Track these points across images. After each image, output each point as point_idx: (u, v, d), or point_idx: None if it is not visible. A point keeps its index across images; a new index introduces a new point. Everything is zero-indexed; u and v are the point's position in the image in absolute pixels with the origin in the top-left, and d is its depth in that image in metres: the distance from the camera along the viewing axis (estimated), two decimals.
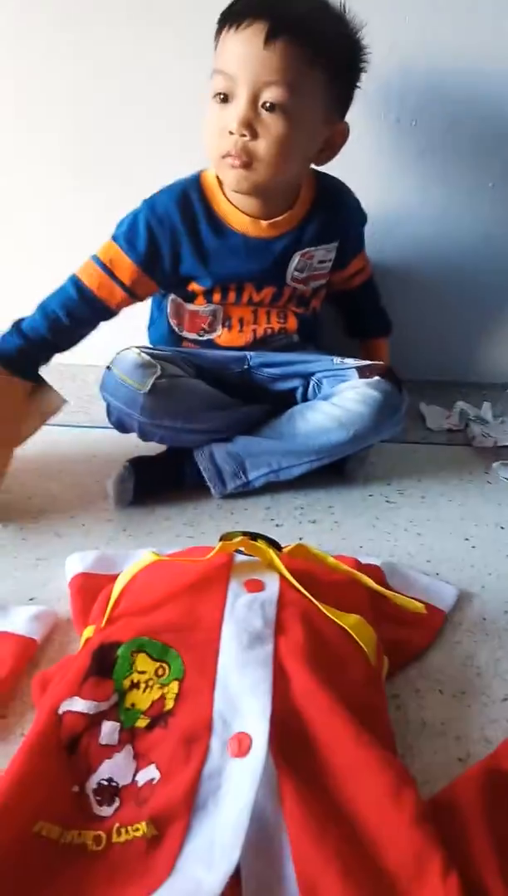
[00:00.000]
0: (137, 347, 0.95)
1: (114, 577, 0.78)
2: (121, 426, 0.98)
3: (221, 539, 0.71)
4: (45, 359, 1.00)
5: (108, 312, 1.00)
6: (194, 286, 1.00)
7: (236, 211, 0.97)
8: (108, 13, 1.12)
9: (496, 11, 1.12)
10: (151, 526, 0.94)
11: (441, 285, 1.33)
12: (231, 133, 0.87)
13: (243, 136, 0.87)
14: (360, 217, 1.08)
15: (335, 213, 1.02)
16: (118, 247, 0.97)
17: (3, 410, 0.91)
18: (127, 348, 0.95)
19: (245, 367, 1.04)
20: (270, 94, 0.85)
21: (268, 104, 0.85)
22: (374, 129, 1.19)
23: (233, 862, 0.46)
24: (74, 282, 0.98)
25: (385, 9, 1.10)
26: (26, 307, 0.99)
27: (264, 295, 1.02)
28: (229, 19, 0.85)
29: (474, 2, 1.11)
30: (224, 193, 0.97)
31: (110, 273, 0.97)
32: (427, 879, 0.46)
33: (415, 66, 1.15)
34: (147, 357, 0.93)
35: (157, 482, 0.99)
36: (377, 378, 0.98)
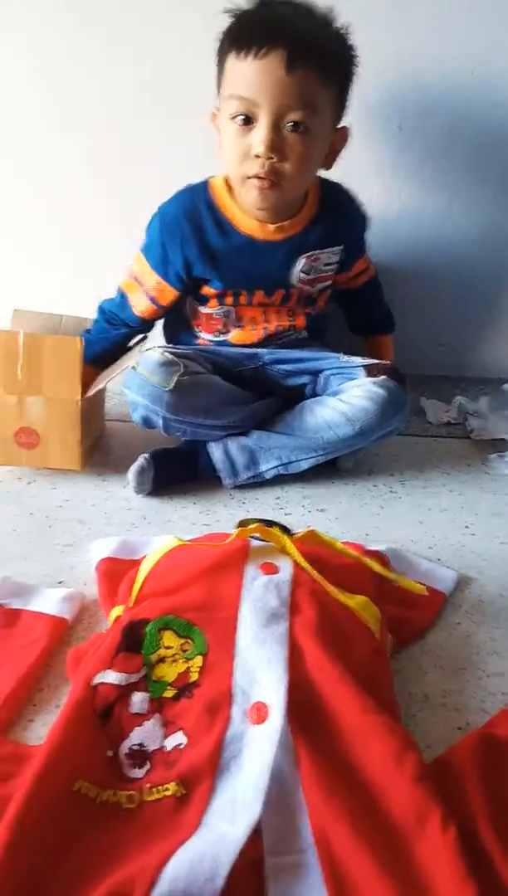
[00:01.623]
0: (161, 347, 0.99)
1: (137, 562, 0.82)
2: (146, 423, 1.02)
3: (238, 525, 0.76)
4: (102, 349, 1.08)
5: (139, 323, 1.07)
6: (207, 289, 1.04)
7: (244, 216, 1.00)
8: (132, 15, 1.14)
9: (493, 20, 1.15)
10: (169, 514, 0.98)
11: (440, 284, 1.36)
12: (257, 156, 0.90)
13: (271, 158, 0.90)
14: (363, 220, 1.11)
15: (339, 216, 1.05)
16: (144, 257, 1.03)
17: (57, 365, 0.96)
18: (150, 348, 0.99)
19: (259, 363, 1.09)
20: (293, 117, 0.87)
21: (292, 126, 0.88)
22: (378, 136, 1.22)
23: (255, 816, 0.50)
24: (118, 290, 1.07)
25: (388, 19, 1.13)
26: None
27: (275, 297, 1.05)
28: (241, 44, 0.86)
29: (472, 10, 1.14)
30: (232, 198, 1.00)
31: (139, 282, 1.04)
32: (429, 831, 0.51)
33: (417, 76, 1.18)
34: (170, 356, 0.97)
35: (174, 473, 1.03)
36: (383, 377, 1.02)
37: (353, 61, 0.93)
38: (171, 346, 1.06)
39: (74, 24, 1.14)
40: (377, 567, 0.77)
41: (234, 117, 0.89)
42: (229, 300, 1.05)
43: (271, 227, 1.00)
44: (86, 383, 0.98)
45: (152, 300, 1.05)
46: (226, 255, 1.00)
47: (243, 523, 0.76)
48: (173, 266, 1.01)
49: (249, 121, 0.89)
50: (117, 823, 0.53)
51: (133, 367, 0.98)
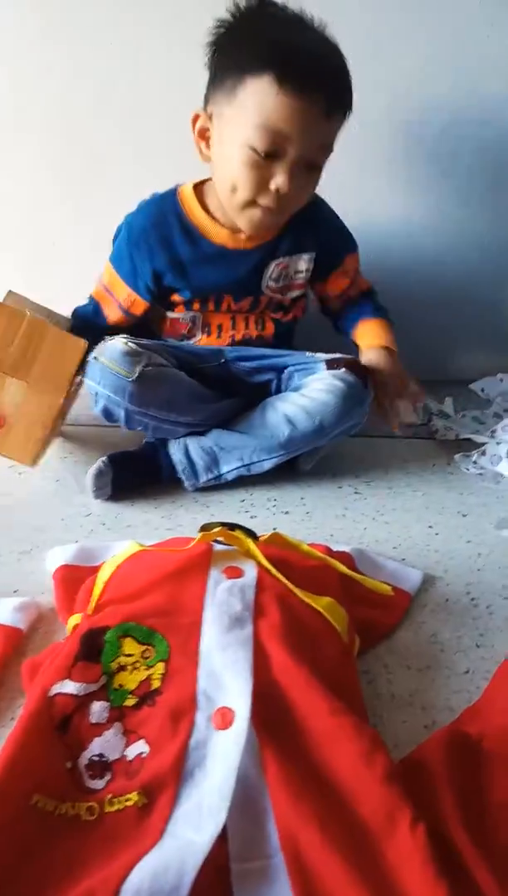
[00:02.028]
0: (123, 337, 0.97)
1: (95, 569, 0.80)
2: (108, 414, 0.99)
3: (200, 530, 0.74)
4: None
5: (112, 330, 1.03)
6: (176, 297, 1.03)
7: (215, 224, 0.99)
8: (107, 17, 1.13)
9: (487, 29, 1.15)
10: (130, 519, 0.96)
11: (405, 287, 1.36)
12: (277, 190, 0.89)
13: (289, 193, 0.90)
14: (337, 230, 1.09)
15: (311, 225, 1.04)
16: (113, 268, 1.01)
17: (54, 359, 0.93)
18: (112, 338, 0.97)
19: (222, 360, 1.07)
20: (318, 159, 0.89)
21: (314, 165, 0.90)
22: (372, 144, 1.22)
23: (220, 823, 0.49)
24: (90, 298, 1.06)
25: (386, 30, 1.14)
26: None
27: (242, 304, 1.05)
28: (288, 76, 0.83)
29: (467, 20, 1.14)
30: (202, 208, 0.98)
31: (110, 293, 1.02)
32: (398, 831, 0.50)
33: (411, 86, 1.19)
34: (134, 346, 0.95)
35: (134, 476, 1.01)
36: (342, 370, 1.02)
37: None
38: (133, 337, 1.04)
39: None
40: (342, 568, 0.76)
41: (257, 148, 0.87)
42: (197, 306, 1.04)
43: (243, 235, 0.99)
44: None
45: (125, 311, 1.04)
46: (195, 265, 0.99)
47: (205, 527, 0.75)
48: (142, 278, 1.00)
49: (273, 153, 0.87)
50: (77, 836, 0.51)
51: (95, 357, 0.95)
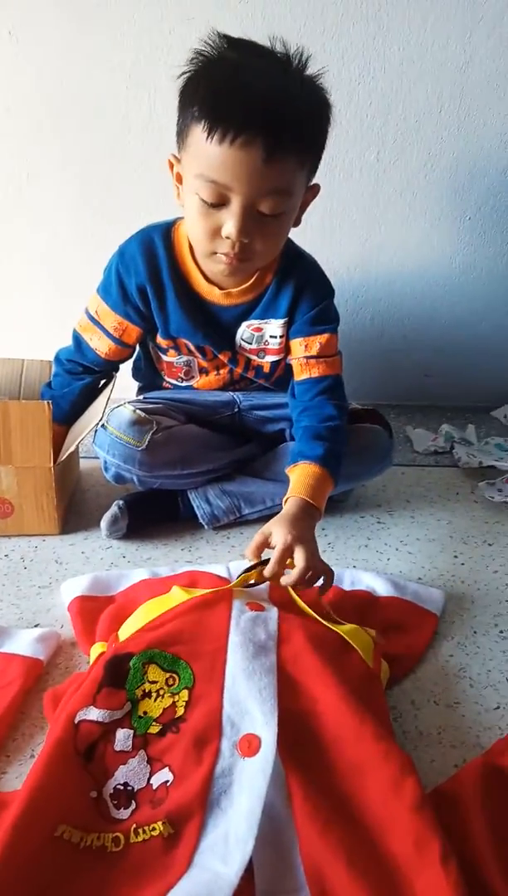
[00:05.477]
0: (131, 404, 0.97)
1: (111, 599, 0.81)
2: (119, 480, 0.99)
3: (244, 572, 0.76)
4: (69, 405, 1.03)
5: (105, 364, 1.01)
6: (159, 339, 1.00)
7: (198, 274, 0.94)
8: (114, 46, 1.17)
9: (465, 51, 1.19)
10: (150, 552, 0.96)
11: (425, 313, 1.38)
12: (228, 237, 0.83)
13: (243, 241, 0.84)
14: (320, 297, 0.98)
15: (293, 291, 0.96)
16: (100, 297, 0.98)
17: (26, 431, 0.92)
18: (120, 405, 0.96)
19: (235, 410, 1.06)
20: (269, 205, 0.81)
21: (267, 212, 0.82)
22: (357, 167, 1.25)
23: (247, 853, 0.48)
24: (74, 334, 1.01)
25: (364, 54, 1.18)
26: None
27: (223, 356, 1.01)
28: (214, 125, 0.77)
29: (445, 41, 1.18)
30: (192, 253, 0.93)
31: (98, 323, 0.98)
32: (428, 864, 0.48)
33: (393, 108, 1.22)
34: (142, 414, 0.95)
35: (150, 518, 1.01)
36: (368, 424, 1.01)
37: (327, 120, 0.85)
38: (141, 399, 1.03)
39: None
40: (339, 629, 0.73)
41: (203, 197, 0.82)
42: (185, 351, 1.01)
43: (219, 291, 0.95)
44: (56, 445, 0.95)
45: (116, 340, 0.99)
46: (174, 305, 0.96)
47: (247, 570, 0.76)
48: (132, 301, 0.96)
49: (218, 202, 0.82)
50: (104, 868, 0.50)
51: (103, 426, 0.95)
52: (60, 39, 1.16)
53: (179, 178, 0.87)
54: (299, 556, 0.75)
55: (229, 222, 0.82)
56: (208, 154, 0.78)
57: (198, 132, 0.78)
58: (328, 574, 0.78)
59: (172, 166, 0.87)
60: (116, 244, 0.96)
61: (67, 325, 1.02)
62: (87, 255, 1.27)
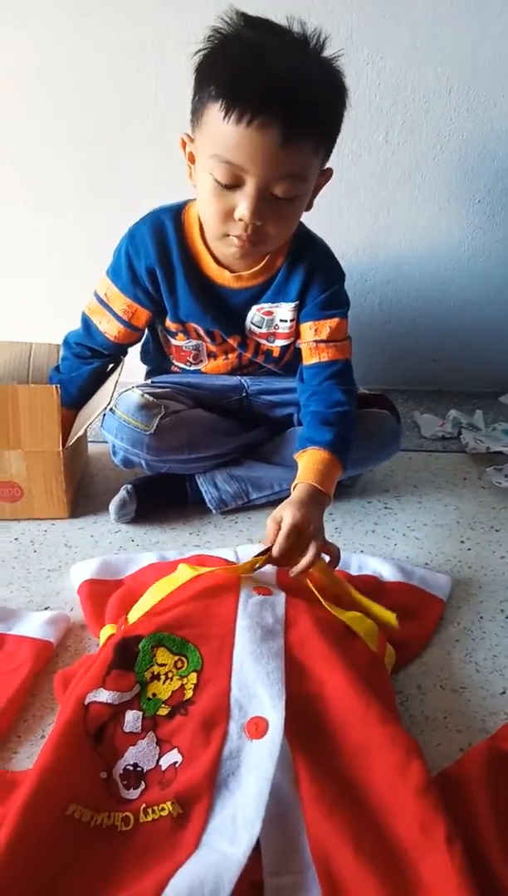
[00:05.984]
0: (140, 388, 0.97)
1: (119, 582, 0.82)
2: (127, 464, 1.00)
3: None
4: (77, 389, 1.02)
5: (114, 347, 1.01)
6: (168, 322, 1.00)
7: (208, 257, 0.94)
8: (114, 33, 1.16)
9: (475, 32, 1.18)
10: (158, 536, 0.97)
11: (434, 297, 1.37)
12: (241, 220, 0.83)
13: (256, 224, 0.83)
14: (331, 280, 0.98)
15: (303, 274, 0.96)
16: (109, 280, 0.98)
17: (34, 415, 0.93)
18: (129, 389, 0.96)
19: (243, 394, 1.06)
20: (283, 188, 0.81)
21: (281, 195, 0.81)
22: (366, 148, 1.24)
23: (255, 835, 0.49)
24: (83, 317, 1.00)
25: (373, 34, 1.16)
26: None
27: (233, 340, 1.01)
28: (232, 105, 0.76)
29: (455, 22, 1.17)
30: (201, 235, 0.93)
31: (107, 306, 0.98)
32: (433, 847, 0.49)
33: (402, 88, 1.21)
34: (150, 398, 0.95)
35: (158, 502, 1.01)
36: (376, 409, 1.01)
37: (343, 104, 0.84)
38: (149, 384, 1.03)
39: None
40: (355, 595, 0.76)
41: (217, 178, 0.81)
42: (194, 335, 1.01)
43: (230, 274, 0.95)
44: (65, 429, 0.95)
45: (126, 323, 0.99)
46: (184, 288, 0.95)
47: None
48: (141, 283, 0.95)
49: (232, 183, 0.81)
50: (113, 847, 0.51)
51: (111, 410, 0.95)
52: (64, 23, 1.15)
53: (191, 158, 0.86)
54: (308, 543, 0.76)
55: (243, 204, 0.81)
56: (225, 134, 0.78)
57: (215, 111, 0.77)
58: (334, 553, 0.80)
59: (184, 145, 0.86)
60: (122, 228, 0.96)
61: (72, 309, 1.01)
62: (91, 238, 1.27)
